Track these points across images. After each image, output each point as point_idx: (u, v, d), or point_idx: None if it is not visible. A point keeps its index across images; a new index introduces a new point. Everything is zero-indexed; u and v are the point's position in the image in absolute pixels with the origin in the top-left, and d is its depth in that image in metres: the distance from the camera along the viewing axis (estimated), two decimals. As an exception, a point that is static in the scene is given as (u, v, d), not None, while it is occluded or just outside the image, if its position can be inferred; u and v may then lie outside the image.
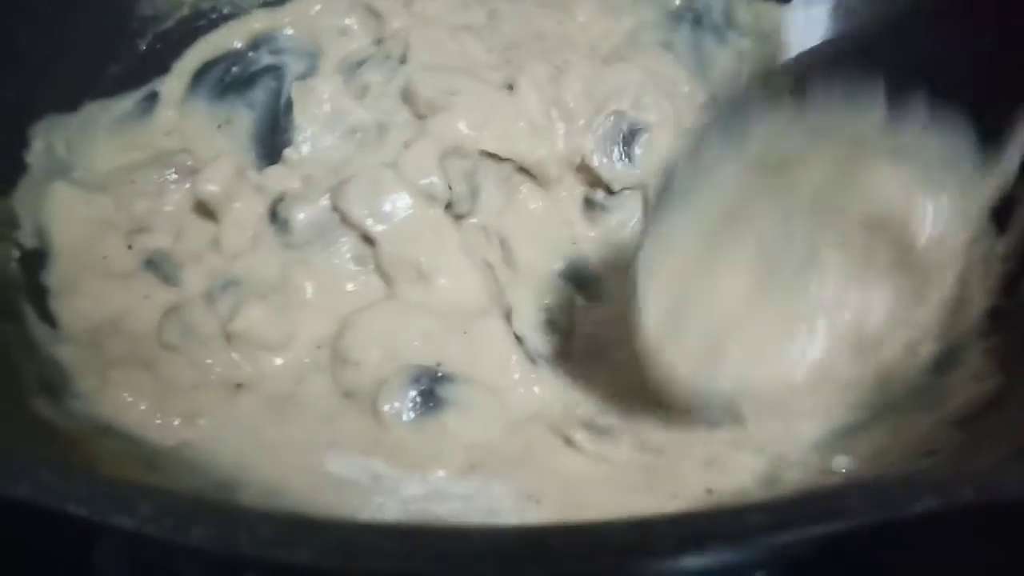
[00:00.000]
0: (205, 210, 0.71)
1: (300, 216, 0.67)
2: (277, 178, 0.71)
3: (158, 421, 0.58)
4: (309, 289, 0.65)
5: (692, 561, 0.27)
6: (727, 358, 0.54)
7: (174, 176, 0.73)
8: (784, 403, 0.56)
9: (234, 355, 0.62)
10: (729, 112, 0.54)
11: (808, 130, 0.53)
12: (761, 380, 0.54)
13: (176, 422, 0.58)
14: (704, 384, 0.54)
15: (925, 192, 0.53)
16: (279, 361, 0.63)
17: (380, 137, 0.73)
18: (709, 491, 0.57)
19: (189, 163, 0.73)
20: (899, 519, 0.28)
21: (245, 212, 0.69)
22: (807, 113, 0.53)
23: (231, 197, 0.69)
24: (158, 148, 0.77)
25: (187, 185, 0.72)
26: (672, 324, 0.54)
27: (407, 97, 0.75)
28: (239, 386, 0.62)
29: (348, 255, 0.68)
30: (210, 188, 0.69)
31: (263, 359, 0.63)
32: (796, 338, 0.54)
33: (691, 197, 0.54)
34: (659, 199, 0.55)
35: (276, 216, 0.69)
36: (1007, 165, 0.52)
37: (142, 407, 0.58)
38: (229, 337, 0.62)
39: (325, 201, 0.68)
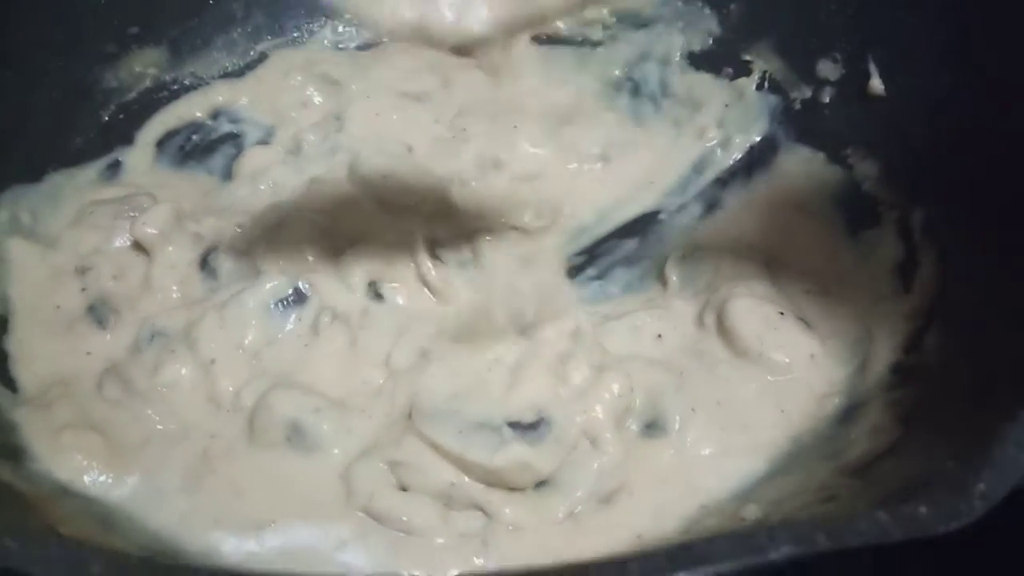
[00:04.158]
0: (144, 250, 0.74)
1: (227, 267, 0.73)
2: (212, 227, 0.75)
3: (110, 480, 0.61)
4: (228, 341, 0.68)
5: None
6: None
7: (130, 215, 0.76)
8: None
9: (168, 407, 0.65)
10: None
11: None
12: None
13: (128, 479, 0.61)
14: None
15: None
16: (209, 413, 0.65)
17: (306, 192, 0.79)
18: (639, 536, 0.60)
19: (146, 206, 0.77)
20: (760, 564, 0.32)
21: (177, 255, 0.73)
22: None
23: (167, 240, 0.73)
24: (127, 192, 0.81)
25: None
26: None
27: (351, 169, 0.81)
28: (179, 437, 0.64)
29: (269, 304, 0.70)
30: (148, 231, 0.74)
31: (194, 410, 0.65)
32: None
33: None
34: None
35: (206, 264, 0.74)
36: None
37: (95, 467, 0.61)
38: (158, 389, 0.66)
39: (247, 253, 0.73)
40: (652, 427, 0.65)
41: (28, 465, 0.60)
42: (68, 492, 0.59)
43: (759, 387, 0.67)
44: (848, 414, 0.64)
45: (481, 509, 0.60)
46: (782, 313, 0.69)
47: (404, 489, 0.61)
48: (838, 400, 0.66)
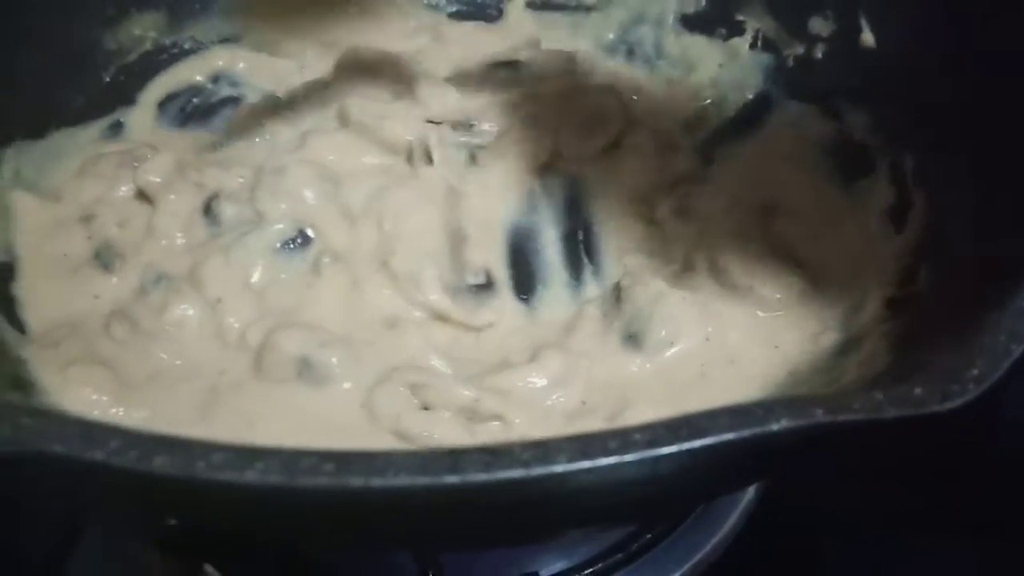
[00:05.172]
0: (148, 198, 0.76)
1: (229, 212, 0.74)
2: (214, 177, 0.77)
3: (120, 413, 0.62)
4: (233, 280, 0.69)
5: (587, 473, 0.32)
6: None
7: (133, 165, 0.77)
8: None
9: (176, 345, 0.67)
10: None
11: None
12: None
13: (137, 414, 0.62)
14: None
15: None
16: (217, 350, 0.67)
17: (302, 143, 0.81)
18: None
19: (148, 156, 0.78)
20: (761, 435, 0.33)
21: (179, 203, 0.74)
22: None
23: (170, 188, 0.75)
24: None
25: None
26: None
27: (342, 118, 0.82)
28: (188, 373, 0.65)
29: (275, 246, 0.72)
30: (151, 179, 0.75)
31: (201, 348, 0.67)
32: None
33: None
34: None
35: (209, 210, 0.75)
36: None
37: (104, 400, 0.62)
38: (165, 328, 0.67)
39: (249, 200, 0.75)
40: (632, 338, 0.68)
41: (37, 398, 0.61)
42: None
43: (749, 322, 0.68)
44: (845, 347, 0.65)
45: (500, 419, 0.62)
46: (772, 251, 0.70)
47: (427, 409, 0.62)
48: (834, 335, 0.67)
